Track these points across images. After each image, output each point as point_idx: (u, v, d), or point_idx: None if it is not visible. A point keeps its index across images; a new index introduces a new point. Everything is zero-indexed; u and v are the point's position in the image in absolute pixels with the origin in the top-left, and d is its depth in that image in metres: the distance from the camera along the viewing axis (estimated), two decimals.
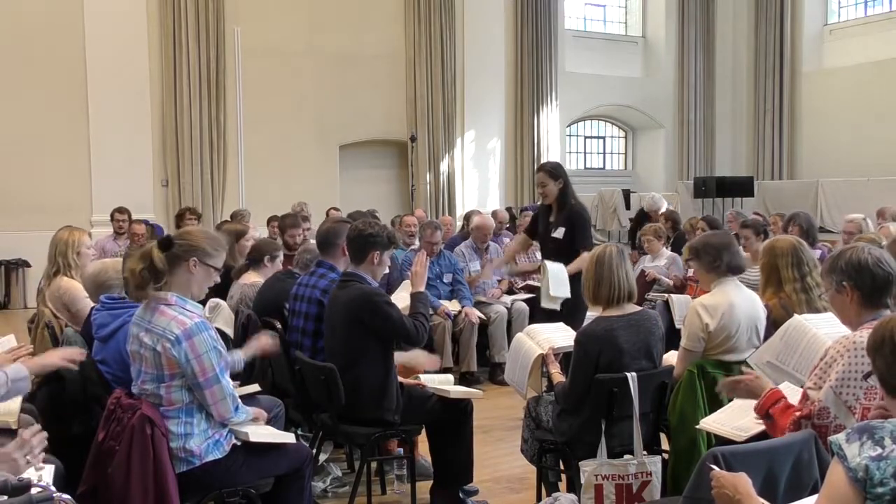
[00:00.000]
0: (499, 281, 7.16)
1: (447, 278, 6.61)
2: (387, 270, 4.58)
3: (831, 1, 16.93)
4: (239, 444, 2.96)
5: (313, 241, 5.38)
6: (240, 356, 3.59)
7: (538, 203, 5.82)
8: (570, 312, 4.73)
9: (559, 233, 5.20)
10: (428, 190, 13.78)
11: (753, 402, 2.69)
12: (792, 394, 2.69)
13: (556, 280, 4.84)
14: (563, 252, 5.11)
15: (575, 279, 4.76)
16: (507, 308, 6.71)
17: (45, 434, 2.32)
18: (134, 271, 2.79)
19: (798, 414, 2.48)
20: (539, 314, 5.34)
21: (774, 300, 3.69)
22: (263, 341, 3.69)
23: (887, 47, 14.99)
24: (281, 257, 5.26)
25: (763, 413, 2.63)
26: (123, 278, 3.02)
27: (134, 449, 2.72)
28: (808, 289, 3.60)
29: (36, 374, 2.84)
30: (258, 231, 7.43)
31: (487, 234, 7.16)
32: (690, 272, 6.22)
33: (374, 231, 3.80)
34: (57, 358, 2.88)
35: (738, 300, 3.58)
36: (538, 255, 6.14)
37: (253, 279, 5.02)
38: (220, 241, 3.03)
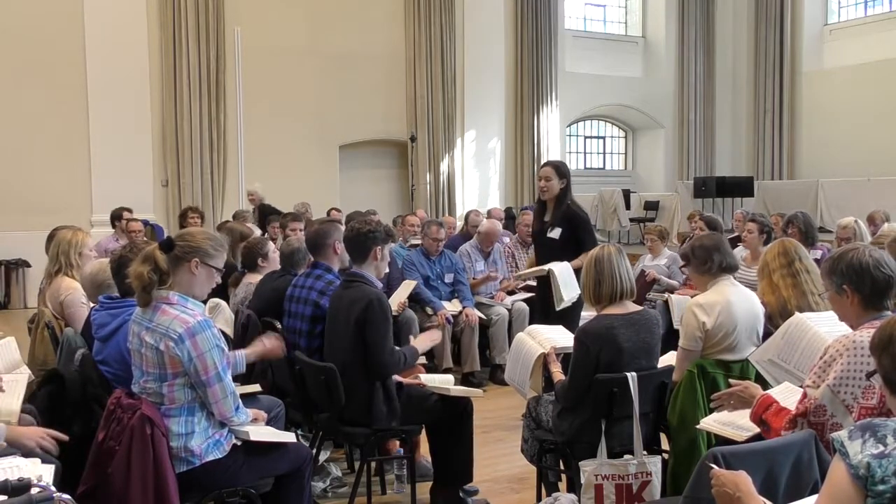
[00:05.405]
0: (500, 280, 7.15)
1: (448, 278, 6.61)
2: (386, 269, 4.57)
3: (831, 1, 16.94)
4: (239, 444, 2.96)
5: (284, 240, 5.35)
6: (242, 357, 3.55)
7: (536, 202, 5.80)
8: (563, 313, 4.73)
9: (556, 233, 5.17)
10: (428, 190, 13.78)
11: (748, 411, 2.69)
12: (793, 394, 2.69)
13: (565, 282, 4.81)
14: (559, 252, 5.06)
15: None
16: (507, 309, 6.70)
17: None
18: (142, 274, 2.79)
19: (794, 412, 2.48)
20: (538, 315, 5.33)
21: (770, 297, 3.72)
22: (269, 344, 3.66)
23: (887, 47, 14.99)
24: (272, 250, 5.24)
25: (757, 420, 2.62)
26: (127, 282, 2.99)
27: (134, 449, 2.72)
28: (795, 274, 3.72)
29: (12, 444, 2.73)
30: (258, 231, 7.42)
31: (494, 239, 7.20)
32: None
33: (371, 227, 3.84)
34: (33, 442, 2.72)
35: (735, 298, 3.59)
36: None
37: (257, 280, 5.01)
38: (220, 242, 3.02)
